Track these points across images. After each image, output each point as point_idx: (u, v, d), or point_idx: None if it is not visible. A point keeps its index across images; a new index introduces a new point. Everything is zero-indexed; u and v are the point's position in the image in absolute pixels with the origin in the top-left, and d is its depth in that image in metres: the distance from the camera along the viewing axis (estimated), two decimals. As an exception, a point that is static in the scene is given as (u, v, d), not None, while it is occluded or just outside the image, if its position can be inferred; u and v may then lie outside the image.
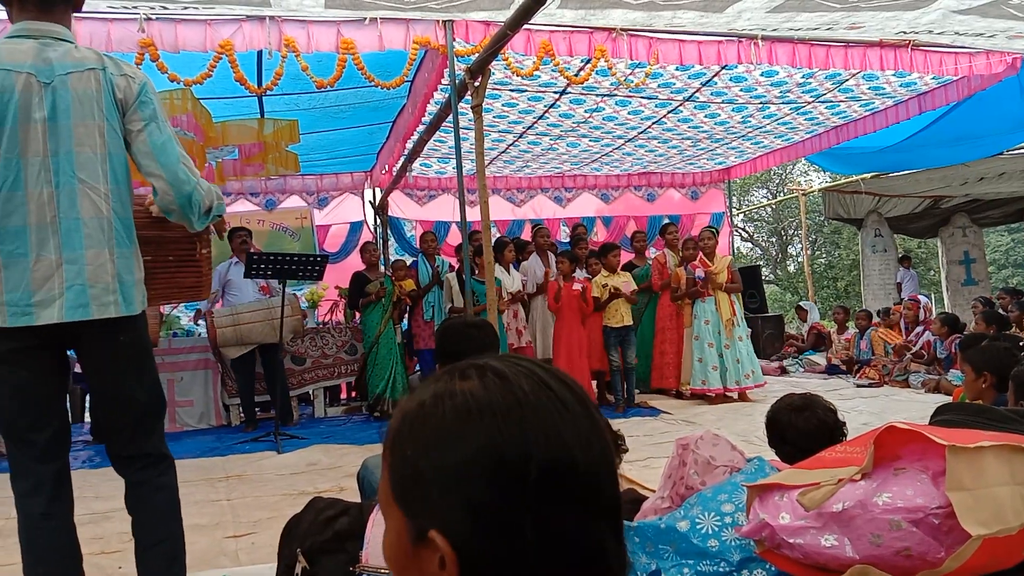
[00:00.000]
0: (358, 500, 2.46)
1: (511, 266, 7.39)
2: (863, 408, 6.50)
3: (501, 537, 0.70)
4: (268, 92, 5.91)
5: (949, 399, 6.27)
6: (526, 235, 10.17)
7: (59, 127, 2.11)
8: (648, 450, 5.02)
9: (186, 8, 4.93)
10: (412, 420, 0.76)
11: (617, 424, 6.31)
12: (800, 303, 11.74)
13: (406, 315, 8.00)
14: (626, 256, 8.58)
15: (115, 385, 2.27)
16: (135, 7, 4.83)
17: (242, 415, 7.43)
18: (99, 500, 4.02)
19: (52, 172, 2.10)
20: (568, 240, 9.73)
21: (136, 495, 2.31)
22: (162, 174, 2.20)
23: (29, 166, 2.09)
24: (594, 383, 7.45)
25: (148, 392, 2.34)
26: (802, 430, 2.42)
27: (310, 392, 7.97)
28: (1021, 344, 3.78)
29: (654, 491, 2.35)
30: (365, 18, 5.29)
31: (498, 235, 9.83)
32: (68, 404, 2.51)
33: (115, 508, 4.06)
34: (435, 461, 0.72)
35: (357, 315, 8.06)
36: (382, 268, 8.38)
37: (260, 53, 5.61)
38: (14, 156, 2.09)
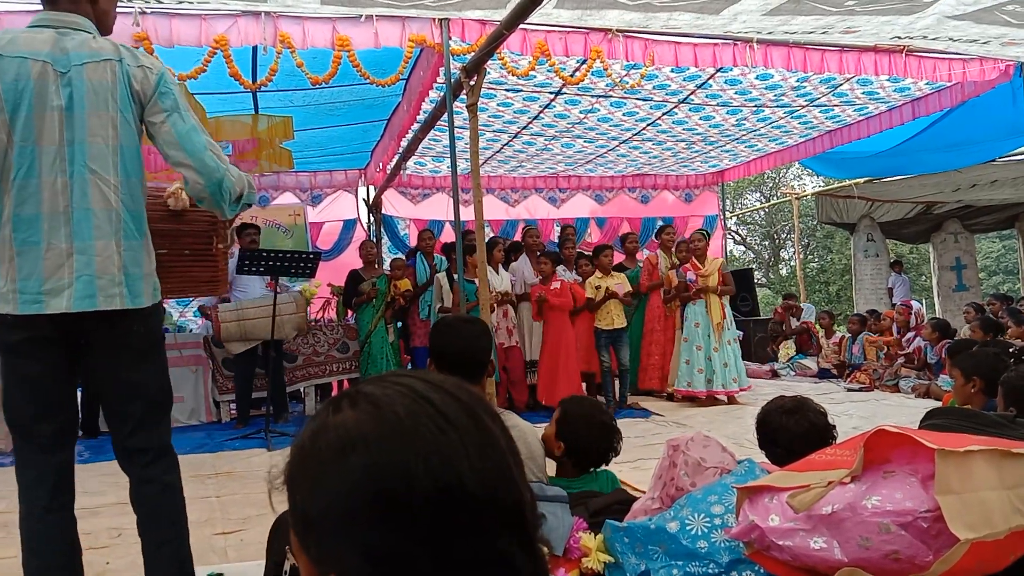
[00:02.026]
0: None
1: (500, 266, 7.38)
2: (853, 412, 6.52)
3: (400, 574, 0.67)
4: (263, 88, 5.89)
5: (939, 404, 6.29)
6: (519, 236, 10.18)
7: (74, 116, 2.10)
8: (639, 451, 5.02)
9: (181, 2, 4.92)
10: (296, 462, 0.73)
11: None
12: (794, 302, 11.71)
13: (403, 313, 7.98)
14: (618, 257, 8.58)
15: (126, 374, 2.25)
16: (130, 1, 4.81)
17: (232, 412, 7.40)
18: (87, 495, 4.01)
19: (67, 161, 2.10)
20: (558, 241, 9.74)
21: (141, 493, 2.28)
22: (190, 163, 2.18)
23: (44, 154, 2.08)
24: (583, 384, 7.44)
25: (158, 383, 2.33)
26: (793, 432, 2.42)
27: (301, 390, 7.95)
28: (1011, 350, 3.80)
29: (644, 492, 2.35)
30: (361, 15, 5.28)
31: (491, 235, 9.84)
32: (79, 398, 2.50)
33: (103, 504, 4.06)
34: (319, 504, 0.69)
35: (350, 313, 8.04)
36: (378, 267, 8.36)
37: (255, 49, 5.60)
38: (29, 144, 2.08)
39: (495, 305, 6.96)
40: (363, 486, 0.67)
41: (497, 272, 7.25)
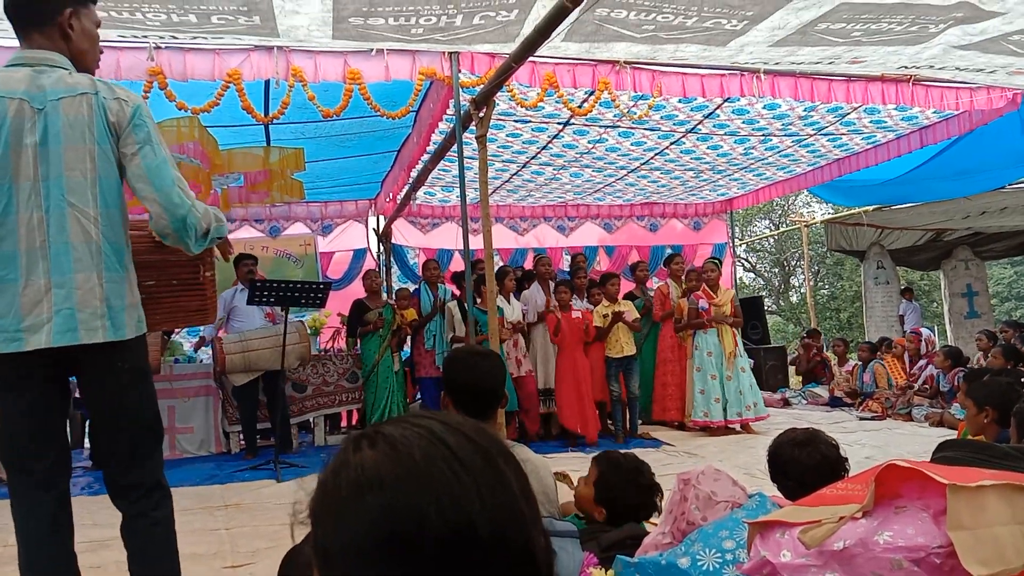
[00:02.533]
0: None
1: (512, 295, 7.39)
2: (866, 441, 6.47)
3: None
4: (275, 121, 5.96)
5: (953, 433, 6.24)
6: (529, 264, 10.20)
7: (49, 152, 2.12)
8: (649, 482, 4.99)
9: (195, 38, 5.00)
10: (318, 498, 0.76)
11: (618, 455, 6.29)
12: (815, 341, 11.49)
13: (407, 343, 7.99)
14: (627, 286, 8.59)
15: (112, 410, 2.26)
16: (145, 36, 4.90)
17: (242, 442, 7.40)
18: (97, 528, 4.00)
19: (42, 196, 2.11)
20: (568, 269, 9.75)
21: (132, 528, 2.29)
22: (156, 197, 2.19)
23: (20, 191, 2.10)
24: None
25: (145, 418, 2.32)
26: (805, 465, 2.41)
27: (310, 420, 7.94)
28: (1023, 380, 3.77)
29: (656, 524, 2.34)
30: (372, 49, 5.35)
31: (500, 264, 9.86)
32: (68, 430, 2.50)
33: (113, 536, 4.03)
34: (337, 541, 0.71)
35: (359, 343, 8.06)
36: (384, 296, 8.38)
37: (267, 82, 5.67)
38: (6, 181, 2.10)
39: (505, 336, 6.96)
40: (378, 526, 0.69)
41: (508, 301, 7.27)
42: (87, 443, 7.98)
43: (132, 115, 2.22)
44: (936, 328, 13.46)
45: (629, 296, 8.26)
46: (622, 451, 2.87)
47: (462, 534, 0.69)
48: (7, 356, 2.10)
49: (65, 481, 2.26)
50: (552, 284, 7.72)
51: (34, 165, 2.11)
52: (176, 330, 8.40)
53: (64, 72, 2.20)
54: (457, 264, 10.06)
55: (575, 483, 4.71)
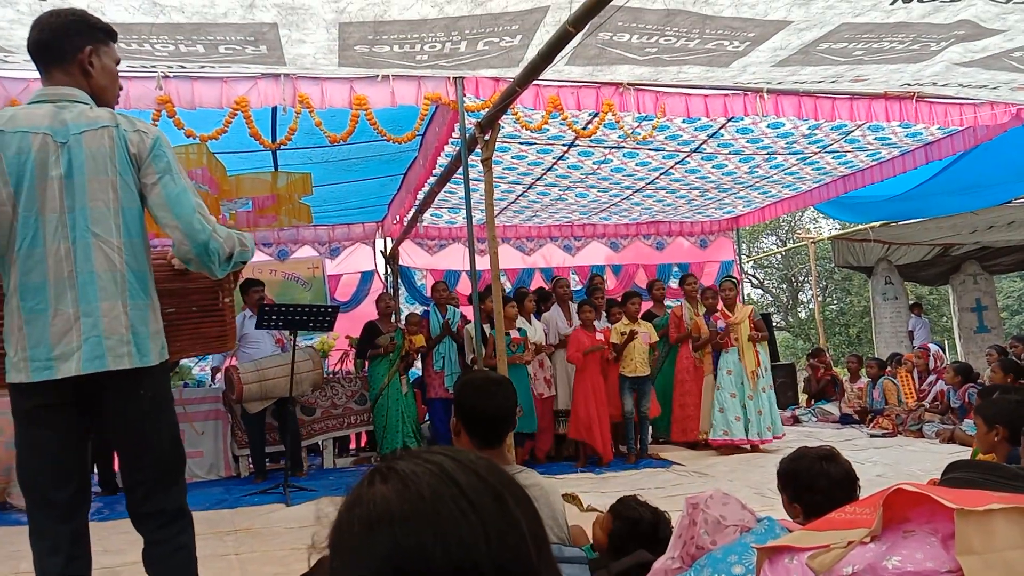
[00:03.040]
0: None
1: (531, 316, 7.40)
2: (877, 459, 6.43)
3: None
4: (282, 147, 6.01)
5: (964, 450, 6.20)
6: (535, 284, 10.22)
7: (74, 184, 2.17)
8: (659, 503, 4.92)
9: (203, 67, 5.06)
10: (335, 530, 0.78)
11: (628, 475, 6.27)
12: (820, 361, 11.38)
13: (414, 365, 8.00)
14: (644, 305, 8.58)
15: (135, 439, 2.29)
16: (153, 66, 4.96)
17: (251, 466, 7.41)
18: (108, 555, 4.01)
19: (69, 227, 2.16)
20: (581, 289, 9.77)
21: (153, 554, 2.30)
22: (177, 224, 2.24)
23: (47, 223, 2.15)
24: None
25: (167, 446, 2.36)
26: (833, 478, 2.40)
27: (319, 442, 7.95)
28: (1034, 397, 3.75)
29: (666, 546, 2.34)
30: (378, 75, 5.41)
31: (508, 284, 9.90)
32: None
33: (125, 562, 4.05)
34: (351, 573, 0.73)
35: (367, 364, 8.07)
36: (395, 320, 8.40)
37: (275, 109, 5.73)
38: (32, 214, 2.15)
39: (529, 358, 6.98)
40: (387, 561, 0.71)
41: (530, 323, 7.28)
42: (94, 468, 7.99)
43: (152, 146, 2.28)
44: (946, 343, 13.37)
45: (648, 316, 8.25)
46: (640, 501, 2.85)
47: (465, 573, 0.70)
48: (36, 387, 2.14)
49: (84, 513, 2.29)
50: (572, 306, 7.72)
51: (60, 197, 2.16)
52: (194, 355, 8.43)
53: (85, 107, 2.25)
54: (464, 285, 10.09)
55: (584, 506, 4.70)
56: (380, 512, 0.73)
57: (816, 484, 2.43)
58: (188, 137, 5.36)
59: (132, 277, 2.24)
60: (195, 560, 2.37)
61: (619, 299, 7.98)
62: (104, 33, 2.36)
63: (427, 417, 8.16)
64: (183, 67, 5.04)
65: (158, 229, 2.33)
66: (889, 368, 9.54)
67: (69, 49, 2.27)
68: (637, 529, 2.63)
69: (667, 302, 9.10)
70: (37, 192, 2.15)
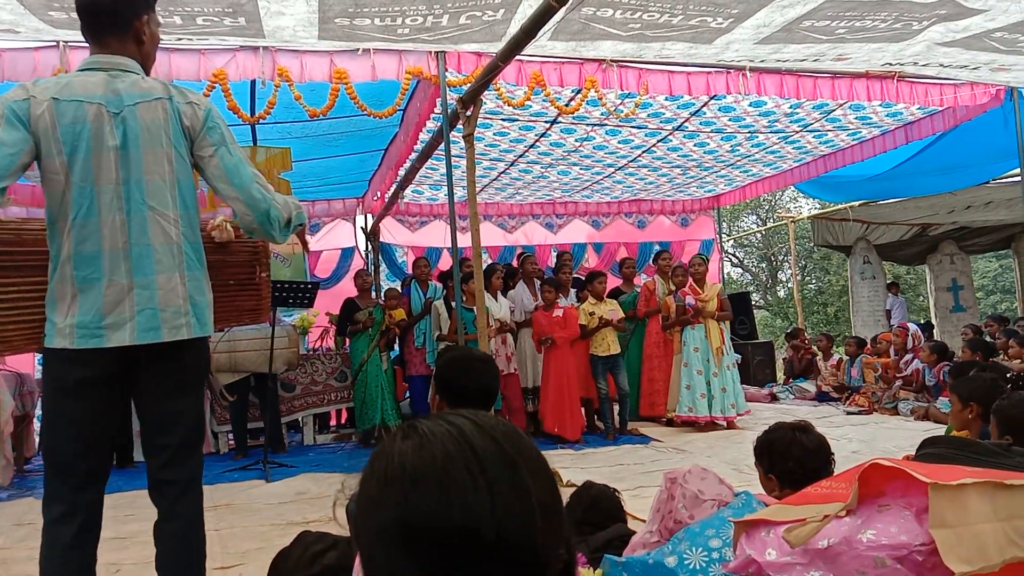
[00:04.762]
0: (347, 533, 2.46)
1: (499, 293, 7.39)
2: (853, 436, 6.51)
3: None
4: (261, 121, 5.94)
5: (938, 427, 6.29)
6: (516, 262, 10.20)
7: (130, 156, 2.17)
8: (638, 479, 5.02)
9: (180, 39, 4.98)
10: (362, 478, 0.80)
11: (607, 451, 6.32)
12: (801, 342, 11.48)
13: (396, 342, 7.98)
14: (614, 282, 8.61)
15: (169, 407, 2.29)
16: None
17: (231, 442, 7.38)
18: (116, 523, 3.97)
19: (124, 199, 2.16)
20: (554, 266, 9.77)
21: (166, 529, 2.29)
22: (238, 195, 2.26)
23: (102, 193, 2.14)
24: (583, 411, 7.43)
25: (195, 416, 2.40)
26: (806, 447, 2.44)
27: (299, 419, 7.93)
28: (1008, 375, 3.81)
29: (644, 520, 2.36)
30: (358, 49, 5.35)
31: (489, 261, 9.87)
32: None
33: (129, 534, 4.03)
34: (365, 525, 0.76)
35: (348, 342, 8.05)
36: (374, 296, 8.37)
37: (254, 82, 5.66)
38: (88, 184, 2.14)
39: (491, 334, 6.96)
40: (397, 519, 0.73)
41: (496, 299, 7.26)
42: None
43: (205, 118, 2.28)
44: (923, 322, 13.53)
45: (616, 292, 8.28)
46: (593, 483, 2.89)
47: (467, 536, 0.71)
48: (78, 354, 2.12)
49: (103, 483, 2.28)
50: (538, 283, 7.71)
51: (115, 169, 2.15)
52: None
53: (137, 77, 2.24)
54: (445, 262, 10.07)
55: (564, 482, 4.73)
56: (396, 467, 0.76)
57: (790, 452, 2.46)
58: (165, 110, 5.27)
59: (189, 248, 2.26)
60: (204, 537, 2.38)
61: (584, 278, 7.98)
62: None
63: (407, 394, 8.16)
64: (160, 37, 4.94)
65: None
66: (868, 347, 9.65)
67: (128, 17, 2.25)
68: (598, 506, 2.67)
69: (643, 277, 9.12)
70: (92, 163, 2.14)
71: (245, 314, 2.82)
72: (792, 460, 2.43)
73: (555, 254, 11.06)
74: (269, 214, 2.29)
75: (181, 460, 2.31)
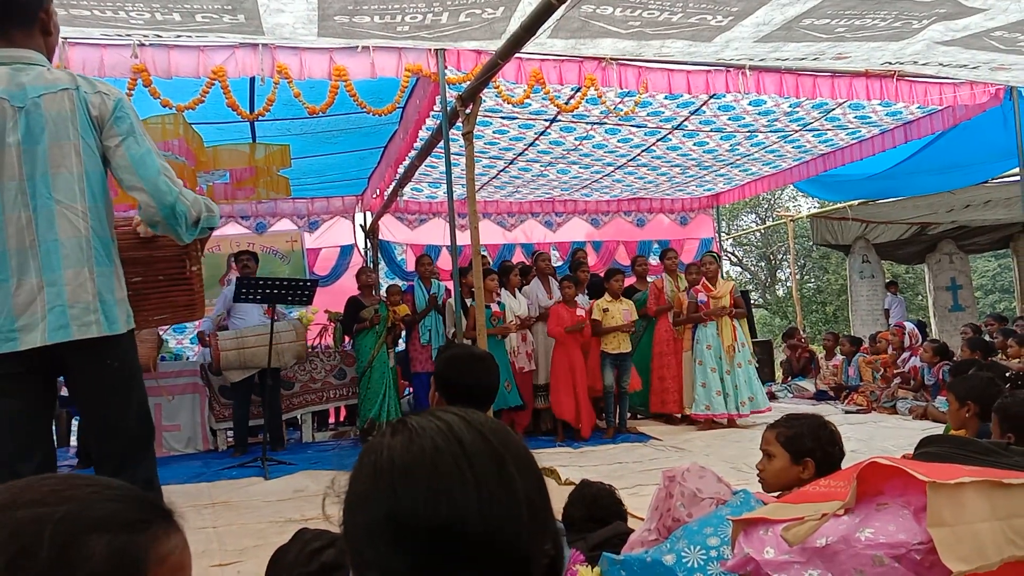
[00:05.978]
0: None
1: (516, 290, 7.40)
2: (851, 435, 6.50)
3: None
4: (260, 118, 5.93)
5: (936, 426, 6.29)
6: (515, 260, 10.19)
7: (34, 150, 2.11)
8: (637, 477, 5.01)
9: (179, 36, 4.97)
10: (353, 472, 0.80)
11: (606, 450, 6.32)
12: (797, 341, 11.45)
13: (401, 339, 7.98)
14: (627, 281, 8.59)
15: (102, 411, 2.24)
16: (128, 34, 4.86)
17: (229, 440, 7.38)
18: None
19: (29, 195, 2.10)
20: (564, 264, 9.77)
21: None
22: (143, 186, 2.19)
23: (5, 191, 2.09)
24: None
25: (136, 418, 2.30)
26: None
27: (298, 417, 7.93)
28: (1006, 374, 3.81)
29: (642, 518, 2.36)
30: (358, 46, 5.33)
31: (492, 261, 9.88)
32: (54, 430, 2.49)
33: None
34: (355, 520, 0.77)
35: (347, 339, 8.04)
36: (376, 293, 8.36)
37: (253, 79, 5.65)
38: None
39: (513, 330, 6.99)
40: (382, 509, 0.74)
41: (515, 296, 7.28)
42: (73, 441, 7.94)
43: (114, 108, 2.22)
44: (918, 321, 13.54)
45: (629, 291, 8.27)
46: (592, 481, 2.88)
47: (452, 530, 0.72)
48: (1, 357, 2.09)
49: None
50: (554, 281, 7.72)
51: (18, 164, 2.10)
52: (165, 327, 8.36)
53: (43, 69, 2.19)
54: (444, 260, 10.07)
55: (562, 479, 4.73)
56: (385, 462, 0.76)
57: (822, 436, 2.50)
58: (164, 107, 5.27)
59: (97, 243, 2.19)
60: None
61: (603, 275, 7.98)
62: None
63: (406, 392, 8.15)
64: (159, 36, 4.94)
65: (126, 198, 2.28)
66: (865, 346, 9.65)
67: (35, 7, 2.20)
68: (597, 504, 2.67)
69: (649, 277, 9.12)
70: None
71: (180, 310, 2.75)
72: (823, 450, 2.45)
73: (556, 252, 11.10)
74: (175, 208, 2.21)
75: (131, 465, 2.26)
